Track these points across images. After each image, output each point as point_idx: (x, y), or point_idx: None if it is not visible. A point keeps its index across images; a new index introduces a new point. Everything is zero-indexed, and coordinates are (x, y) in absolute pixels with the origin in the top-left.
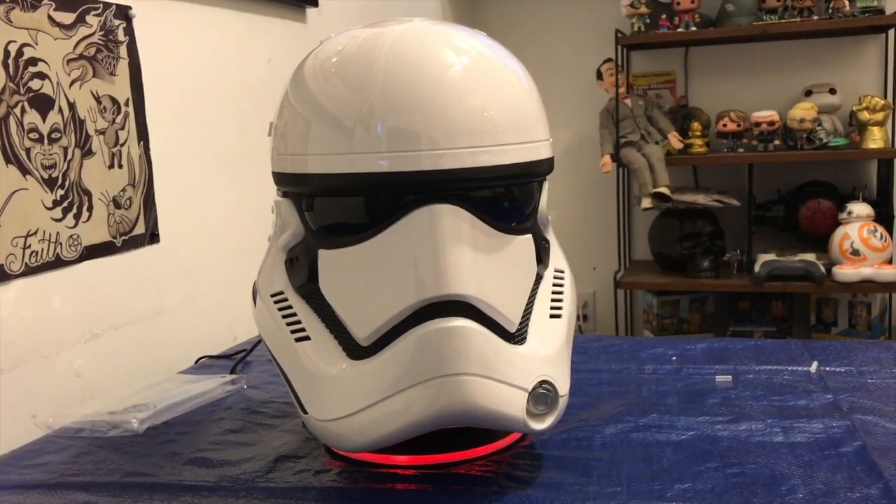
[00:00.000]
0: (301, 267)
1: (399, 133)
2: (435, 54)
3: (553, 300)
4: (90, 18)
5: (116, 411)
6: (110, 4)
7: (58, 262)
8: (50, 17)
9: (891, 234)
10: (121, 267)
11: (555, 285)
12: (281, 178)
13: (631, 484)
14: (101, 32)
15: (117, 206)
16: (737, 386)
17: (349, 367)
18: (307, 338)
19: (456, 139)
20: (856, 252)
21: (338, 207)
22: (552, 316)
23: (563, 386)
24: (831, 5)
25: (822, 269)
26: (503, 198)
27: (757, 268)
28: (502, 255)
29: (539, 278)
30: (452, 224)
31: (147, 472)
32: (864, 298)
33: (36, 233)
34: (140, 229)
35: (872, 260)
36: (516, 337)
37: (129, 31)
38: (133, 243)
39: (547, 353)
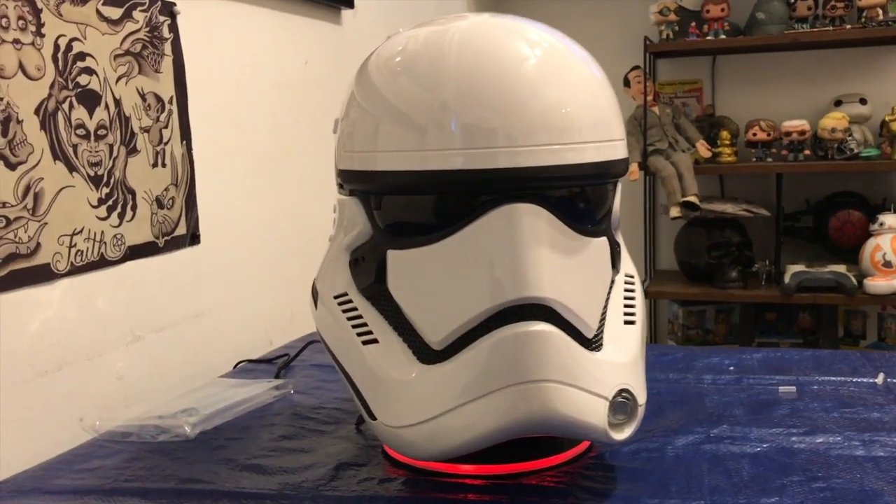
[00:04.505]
0: (367, 268)
1: (474, 130)
2: (508, 47)
3: (626, 305)
4: (137, 14)
5: (165, 415)
6: (156, 1)
7: (102, 262)
8: (98, 12)
9: None
10: (162, 268)
11: (626, 290)
12: (348, 176)
13: (714, 497)
14: (147, 28)
15: (160, 205)
16: (802, 397)
17: (421, 372)
18: (375, 340)
19: (534, 136)
20: (888, 264)
21: (407, 207)
22: (626, 322)
23: (641, 395)
24: (864, 14)
25: (854, 280)
26: (579, 198)
27: (787, 279)
28: (580, 258)
29: (611, 283)
30: (532, 224)
31: (204, 479)
32: (895, 311)
33: (81, 231)
34: (182, 230)
35: None
36: (593, 343)
37: (174, 27)
38: (175, 244)
39: (624, 360)
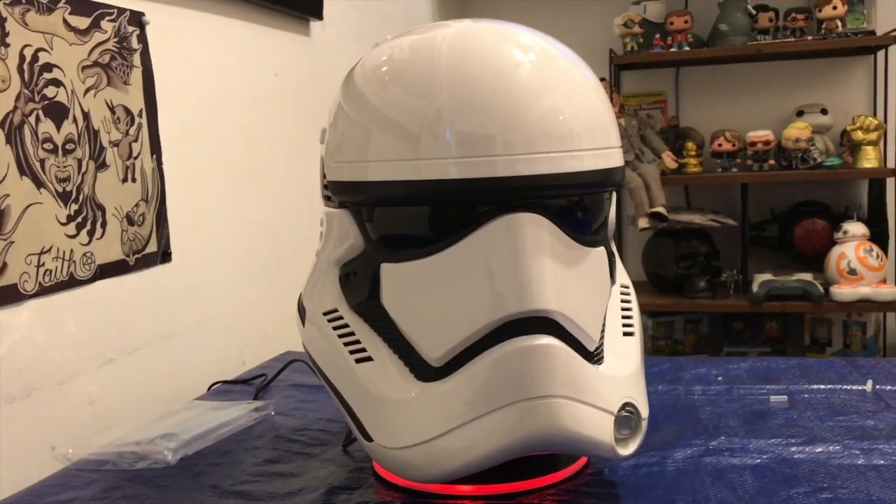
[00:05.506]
0: (359, 283)
1: (471, 137)
2: (501, 52)
3: (624, 317)
4: (105, 24)
5: (143, 441)
6: (124, 10)
7: (71, 282)
8: (65, 21)
9: (886, 253)
10: (133, 287)
11: (623, 301)
12: (337, 187)
13: None
14: (116, 39)
15: (130, 222)
16: (795, 406)
17: (420, 391)
18: (369, 358)
19: (532, 143)
20: (853, 271)
21: (401, 218)
22: (625, 334)
23: (643, 408)
24: (824, 26)
25: (821, 288)
26: (577, 207)
27: (755, 287)
28: (580, 269)
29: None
30: (534, 234)
31: None
32: (859, 318)
33: (50, 250)
34: (153, 247)
35: (869, 279)
36: (595, 356)
37: (143, 38)
38: (145, 262)
39: (626, 373)
